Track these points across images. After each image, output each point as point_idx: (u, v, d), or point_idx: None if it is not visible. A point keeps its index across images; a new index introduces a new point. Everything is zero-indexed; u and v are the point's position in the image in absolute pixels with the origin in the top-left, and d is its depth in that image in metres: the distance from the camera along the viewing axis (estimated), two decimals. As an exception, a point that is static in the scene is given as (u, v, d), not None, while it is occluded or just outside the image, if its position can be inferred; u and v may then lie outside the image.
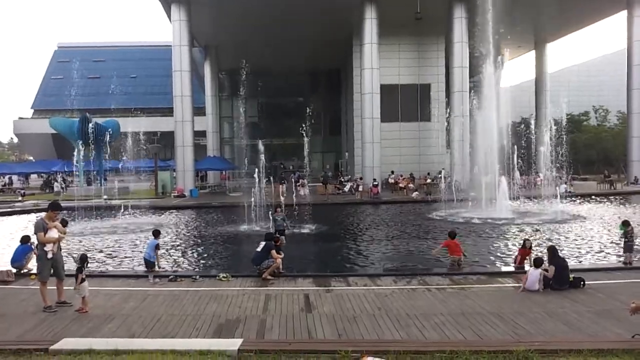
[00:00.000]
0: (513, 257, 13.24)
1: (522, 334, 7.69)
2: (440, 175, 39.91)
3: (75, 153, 39.86)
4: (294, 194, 32.77)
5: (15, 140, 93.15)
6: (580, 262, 13.68)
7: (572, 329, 7.88)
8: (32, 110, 75.27)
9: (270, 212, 18.67)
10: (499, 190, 25.55)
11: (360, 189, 34.25)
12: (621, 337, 7.51)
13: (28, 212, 29.80)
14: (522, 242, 13.00)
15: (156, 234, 13.30)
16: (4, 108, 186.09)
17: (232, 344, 7.13)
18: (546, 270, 10.35)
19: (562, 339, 7.45)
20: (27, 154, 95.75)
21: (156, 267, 12.56)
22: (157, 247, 12.74)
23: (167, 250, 16.24)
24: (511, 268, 12.62)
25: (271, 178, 36.40)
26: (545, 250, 11.51)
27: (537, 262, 10.47)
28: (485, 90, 28.25)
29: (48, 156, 65.25)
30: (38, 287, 9.36)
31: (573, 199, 31.65)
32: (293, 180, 35.90)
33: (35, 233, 9.33)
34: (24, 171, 58.73)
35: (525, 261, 12.18)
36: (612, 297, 9.61)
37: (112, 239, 19.13)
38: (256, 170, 24.23)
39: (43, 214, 9.66)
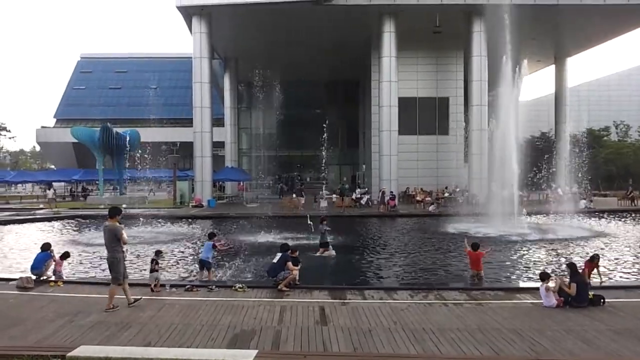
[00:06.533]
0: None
1: (540, 351, 7.57)
2: (457, 190, 39.75)
3: (97, 162, 40.60)
4: (317, 204, 32.90)
5: (38, 148, 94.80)
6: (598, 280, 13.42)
7: (592, 348, 7.74)
8: (55, 120, 76.61)
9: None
10: (516, 205, 25.32)
11: (376, 202, 34.09)
12: (642, 357, 7.36)
13: (49, 219, 30.27)
14: (590, 256, 12.60)
15: (211, 236, 13.97)
16: (28, 117, 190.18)
17: (247, 355, 7.14)
18: (549, 287, 10.26)
19: (581, 358, 7.32)
20: (48, 162, 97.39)
21: (212, 268, 13.17)
22: (213, 246, 13.23)
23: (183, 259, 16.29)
24: (529, 284, 12.44)
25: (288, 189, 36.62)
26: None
27: (542, 276, 10.37)
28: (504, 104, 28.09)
29: (69, 165, 66.30)
30: (58, 294, 9.46)
31: (593, 215, 31.17)
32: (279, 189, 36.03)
33: (121, 236, 9.72)
34: (45, 179, 59.50)
35: (593, 275, 11.91)
36: (633, 315, 9.43)
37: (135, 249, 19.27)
38: (272, 182, 24.38)
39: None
